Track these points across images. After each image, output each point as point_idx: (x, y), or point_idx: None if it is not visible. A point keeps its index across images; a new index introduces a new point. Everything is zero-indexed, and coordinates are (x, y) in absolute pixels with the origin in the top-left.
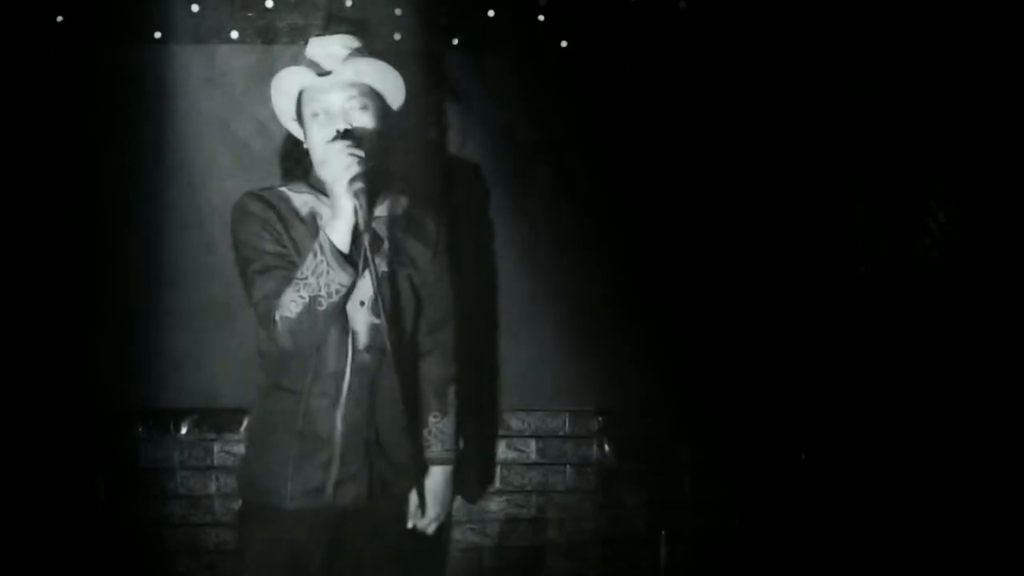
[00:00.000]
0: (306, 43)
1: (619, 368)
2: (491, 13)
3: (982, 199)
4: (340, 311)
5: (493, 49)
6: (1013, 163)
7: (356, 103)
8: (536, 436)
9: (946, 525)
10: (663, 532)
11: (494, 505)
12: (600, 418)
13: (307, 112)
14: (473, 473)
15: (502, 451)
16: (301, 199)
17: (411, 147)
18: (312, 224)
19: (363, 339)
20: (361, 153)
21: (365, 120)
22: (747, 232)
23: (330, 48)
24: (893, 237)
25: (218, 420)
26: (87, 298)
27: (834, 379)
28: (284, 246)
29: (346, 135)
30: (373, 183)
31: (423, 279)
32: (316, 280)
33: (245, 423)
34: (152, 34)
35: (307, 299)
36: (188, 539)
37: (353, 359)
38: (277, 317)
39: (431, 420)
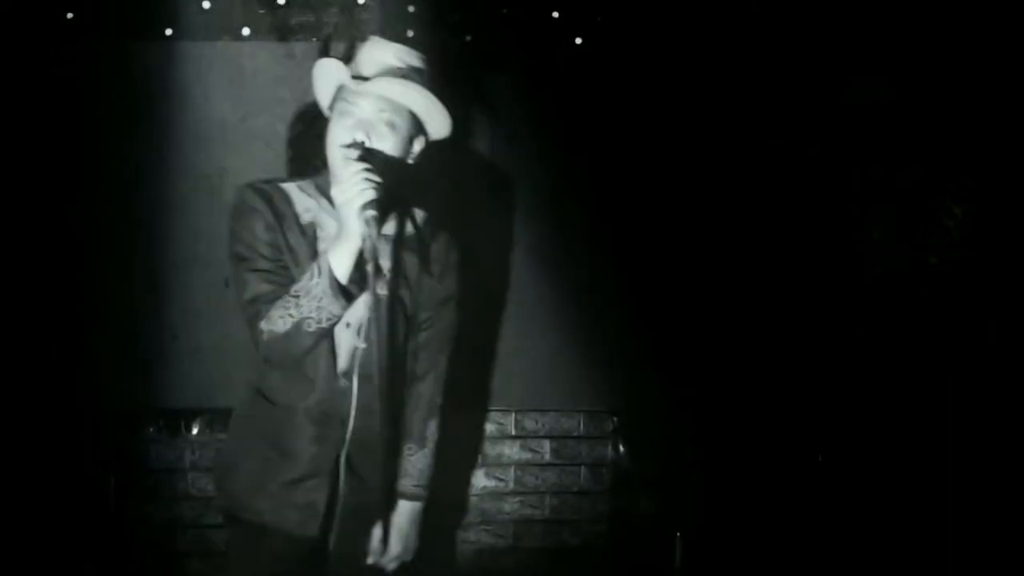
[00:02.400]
0: (318, 40)
1: (634, 369)
2: (505, 10)
3: (998, 196)
4: (330, 331)
5: (506, 46)
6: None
7: (384, 117)
8: (550, 437)
9: (961, 523)
10: (678, 534)
11: (508, 506)
12: (615, 419)
13: (337, 108)
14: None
15: (516, 452)
16: (305, 203)
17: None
18: (312, 237)
19: (344, 361)
20: (378, 179)
21: (389, 140)
22: (760, 233)
23: (382, 55)
24: (906, 236)
25: (229, 420)
26: (96, 297)
27: (849, 380)
28: (280, 251)
29: (366, 156)
30: (386, 205)
31: (421, 304)
32: (308, 303)
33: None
34: (163, 31)
35: (296, 319)
36: (199, 540)
37: (334, 380)
38: (263, 327)
39: (404, 451)
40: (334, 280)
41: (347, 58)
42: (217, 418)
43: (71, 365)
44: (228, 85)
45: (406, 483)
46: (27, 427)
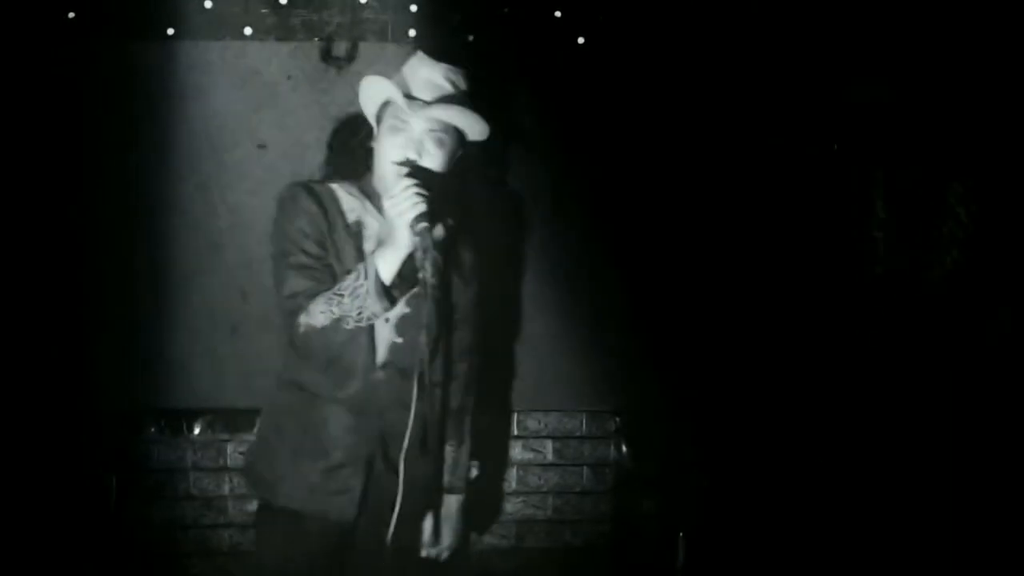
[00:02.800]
0: (322, 39)
1: (636, 369)
2: (506, 9)
3: (1001, 196)
4: (363, 331)
5: (508, 46)
6: None
7: (435, 136)
8: (553, 437)
9: (964, 523)
10: (680, 534)
11: (510, 506)
12: (617, 419)
13: (386, 123)
14: (483, 504)
15: (519, 452)
16: (350, 203)
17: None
18: (357, 236)
19: (382, 355)
20: (427, 193)
21: (438, 156)
22: (762, 233)
23: (432, 76)
24: (908, 236)
25: (231, 420)
26: (98, 297)
27: (851, 379)
28: (325, 249)
29: (416, 172)
30: (434, 215)
31: (454, 305)
32: (351, 301)
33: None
34: (165, 30)
35: (337, 316)
36: (201, 541)
37: (371, 374)
38: (302, 321)
39: (447, 448)
40: (380, 282)
41: (351, 58)
42: (218, 418)
43: (72, 365)
44: (230, 85)
45: (450, 478)
46: (28, 427)
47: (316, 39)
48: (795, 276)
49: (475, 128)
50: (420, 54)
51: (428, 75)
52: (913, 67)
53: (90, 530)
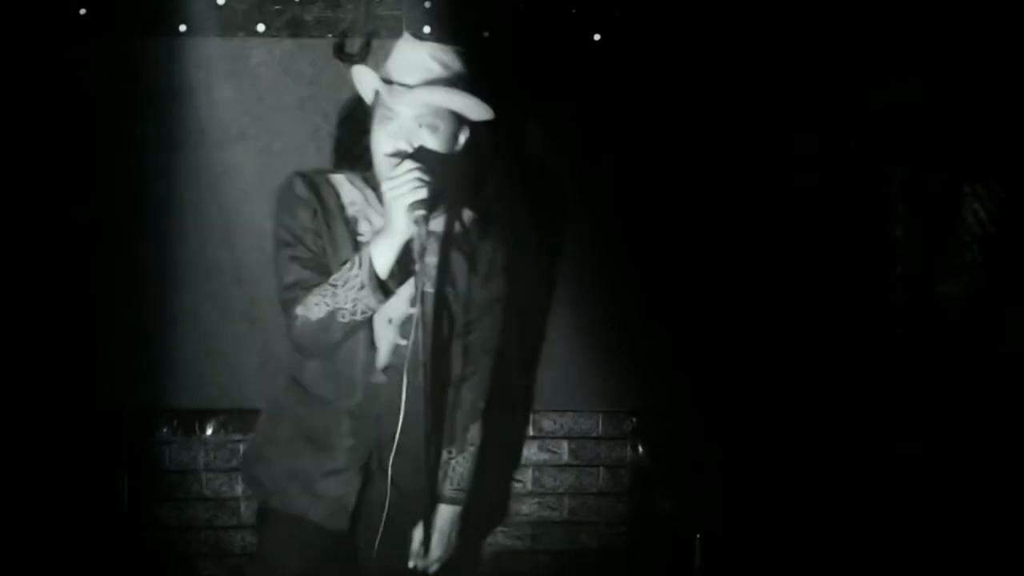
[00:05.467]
0: (334, 36)
1: (653, 369)
2: (522, 6)
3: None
4: (363, 326)
5: (524, 43)
6: None
7: (426, 122)
8: (568, 437)
9: (984, 525)
10: (698, 535)
11: (526, 507)
12: (634, 419)
13: (377, 112)
14: (484, 510)
15: (534, 453)
16: (351, 195)
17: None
18: (355, 229)
19: (384, 358)
20: (427, 178)
21: (433, 143)
22: (782, 234)
23: (417, 58)
24: (930, 236)
25: (244, 421)
26: (110, 296)
27: (870, 380)
28: (323, 241)
29: (415, 155)
30: (435, 202)
31: (467, 305)
32: (345, 293)
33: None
34: (177, 27)
35: (331, 308)
36: (213, 542)
37: (372, 376)
38: (299, 313)
39: (444, 455)
40: (373, 273)
41: (364, 54)
42: (231, 419)
43: (85, 365)
44: (243, 82)
45: (447, 487)
46: (41, 428)
47: (329, 36)
48: (814, 276)
49: (472, 109)
50: (406, 35)
51: (413, 57)
52: (935, 68)
53: (102, 531)
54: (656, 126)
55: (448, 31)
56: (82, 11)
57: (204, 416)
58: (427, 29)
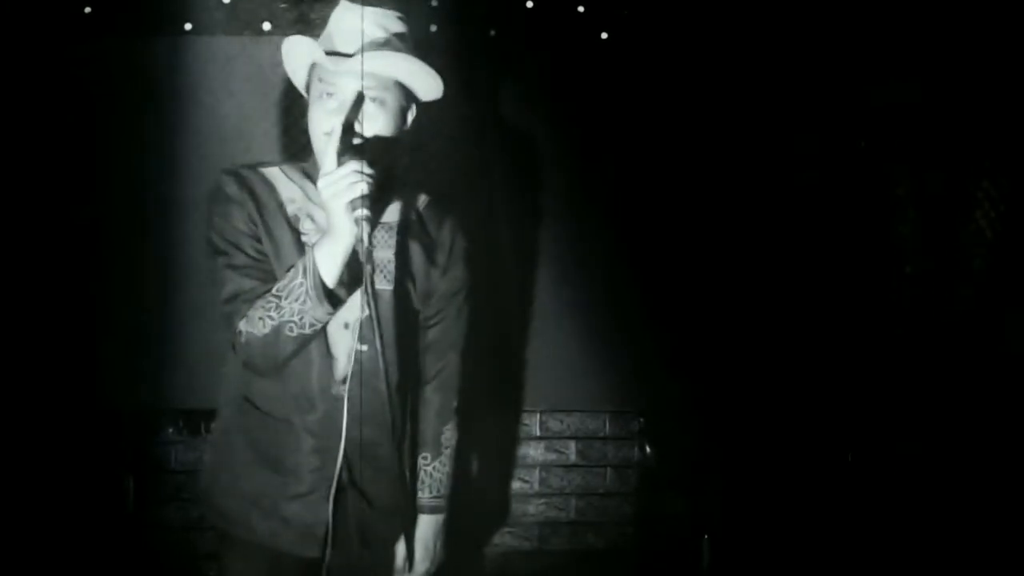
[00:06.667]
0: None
1: (660, 369)
2: (530, 4)
3: None
4: (315, 336)
5: (531, 41)
6: None
7: (371, 95)
8: (575, 438)
9: (990, 524)
10: (705, 536)
11: (532, 508)
12: (641, 419)
13: (314, 90)
14: (483, 514)
15: (541, 453)
16: (290, 191)
17: (435, 143)
18: (298, 230)
19: (343, 366)
20: (371, 172)
21: (379, 119)
22: (790, 233)
23: (358, 25)
24: (939, 235)
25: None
26: (114, 297)
27: (877, 379)
28: (261, 244)
29: (352, 144)
30: (382, 187)
31: (427, 298)
32: (290, 305)
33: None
34: (182, 26)
35: (276, 322)
36: (218, 543)
37: (331, 387)
38: (242, 328)
39: (420, 462)
40: (320, 282)
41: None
42: None
43: (89, 366)
44: (249, 81)
45: (424, 496)
46: (46, 428)
47: None
48: (822, 276)
49: (420, 78)
50: (345, 3)
51: (355, 23)
52: (942, 67)
53: (108, 531)
54: (663, 124)
55: (455, 30)
56: (87, 10)
57: (209, 416)
58: (433, 28)
